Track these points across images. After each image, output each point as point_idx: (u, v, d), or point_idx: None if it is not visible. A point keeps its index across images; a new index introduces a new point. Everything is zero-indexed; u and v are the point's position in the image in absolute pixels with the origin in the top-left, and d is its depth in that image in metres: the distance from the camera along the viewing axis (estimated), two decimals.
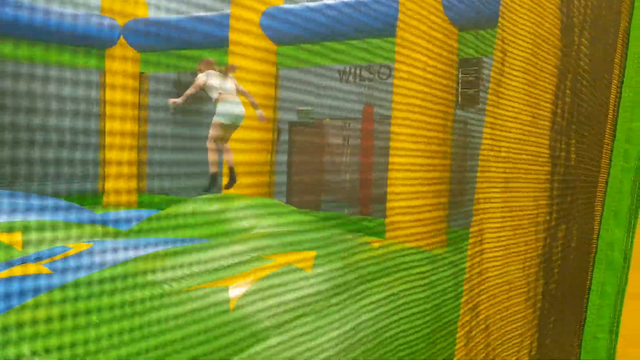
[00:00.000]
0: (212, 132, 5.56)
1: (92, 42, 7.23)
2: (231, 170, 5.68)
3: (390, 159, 4.67)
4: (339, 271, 3.94)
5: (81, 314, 2.81)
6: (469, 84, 5.10)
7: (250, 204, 4.41)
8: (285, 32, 5.94)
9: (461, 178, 4.62)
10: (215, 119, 5.58)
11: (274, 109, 6.50)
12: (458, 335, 2.00)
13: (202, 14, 6.50)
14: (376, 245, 4.54)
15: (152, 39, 6.45)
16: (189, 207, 4.82)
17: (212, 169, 5.62)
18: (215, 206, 4.58)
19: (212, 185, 5.57)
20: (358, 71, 5.81)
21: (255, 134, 5.79)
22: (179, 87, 9.02)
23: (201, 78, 5.56)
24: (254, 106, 5.69)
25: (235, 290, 3.39)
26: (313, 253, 3.97)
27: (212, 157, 5.59)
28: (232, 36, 5.96)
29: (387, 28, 4.92)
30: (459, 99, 4.95)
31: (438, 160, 4.42)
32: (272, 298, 3.45)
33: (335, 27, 5.05)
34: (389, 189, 4.72)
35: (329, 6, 5.40)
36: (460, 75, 4.95)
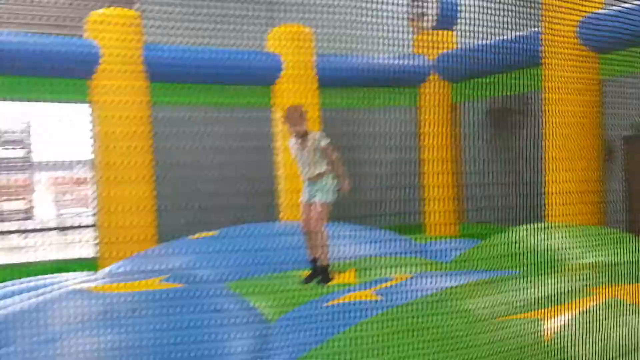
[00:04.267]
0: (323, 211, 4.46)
1: (406, 80, 7.66)
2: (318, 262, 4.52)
3: None
4: None
5: (401, 337, 2.93)
6: None
7: (575, 233, 4.00)
8: (609, 40, 5.36)
9: None
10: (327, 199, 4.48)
11: (600, 125, 5.86)
12: None
13: (511, 34, 6.28)
14: None
15: (463, 68, 6.50)
16: (510, 237, 4.63)
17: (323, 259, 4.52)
18: (538, 236, 4.29)
19: (321, 279, 4.44)
20: None
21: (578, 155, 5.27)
22: (492, 113, 8.87)
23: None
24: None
25: (553, 323, 3.12)
26: None
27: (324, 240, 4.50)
28: (547, 50, 5.61)
29: None
30: None
31: None
32: (593, 333, 3.06)
33: None
34: None
35: None
36: None
